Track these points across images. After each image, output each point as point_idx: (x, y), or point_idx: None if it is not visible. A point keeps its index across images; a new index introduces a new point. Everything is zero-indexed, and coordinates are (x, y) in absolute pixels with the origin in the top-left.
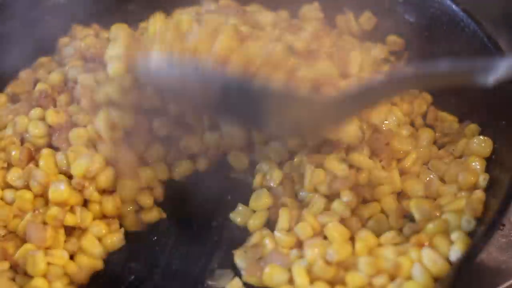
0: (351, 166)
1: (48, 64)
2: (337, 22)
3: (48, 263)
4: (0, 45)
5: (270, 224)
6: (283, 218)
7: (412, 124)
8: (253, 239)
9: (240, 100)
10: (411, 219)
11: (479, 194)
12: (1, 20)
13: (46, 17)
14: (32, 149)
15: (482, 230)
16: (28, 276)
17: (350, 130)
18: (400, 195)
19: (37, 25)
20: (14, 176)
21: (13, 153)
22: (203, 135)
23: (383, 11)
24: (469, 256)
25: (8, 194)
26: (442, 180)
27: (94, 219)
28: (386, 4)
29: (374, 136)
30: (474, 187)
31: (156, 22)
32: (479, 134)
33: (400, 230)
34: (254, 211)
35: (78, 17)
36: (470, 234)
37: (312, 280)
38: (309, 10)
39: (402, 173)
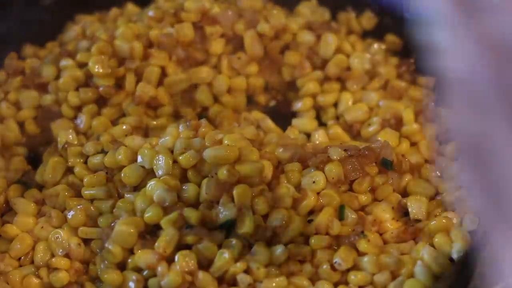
0: None
1: None
2: (339, 19)
3: None
4: None
5: None
6: None
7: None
8: None
9: None
10: (413, 217)
11: None
12: None
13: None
14: None
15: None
16: None
17: None
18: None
19: None
20: None
21: None
22: None
23: (381, 8)
24: (471, 254)
25: None
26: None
27: None
28: (384, 0)
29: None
30: None
31: None
32: None
33: (402, 228)
34: None
35: None
36: (472, 232)
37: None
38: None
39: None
